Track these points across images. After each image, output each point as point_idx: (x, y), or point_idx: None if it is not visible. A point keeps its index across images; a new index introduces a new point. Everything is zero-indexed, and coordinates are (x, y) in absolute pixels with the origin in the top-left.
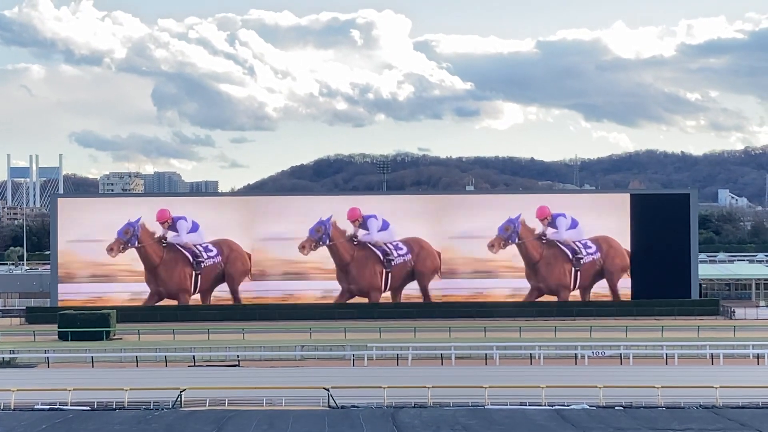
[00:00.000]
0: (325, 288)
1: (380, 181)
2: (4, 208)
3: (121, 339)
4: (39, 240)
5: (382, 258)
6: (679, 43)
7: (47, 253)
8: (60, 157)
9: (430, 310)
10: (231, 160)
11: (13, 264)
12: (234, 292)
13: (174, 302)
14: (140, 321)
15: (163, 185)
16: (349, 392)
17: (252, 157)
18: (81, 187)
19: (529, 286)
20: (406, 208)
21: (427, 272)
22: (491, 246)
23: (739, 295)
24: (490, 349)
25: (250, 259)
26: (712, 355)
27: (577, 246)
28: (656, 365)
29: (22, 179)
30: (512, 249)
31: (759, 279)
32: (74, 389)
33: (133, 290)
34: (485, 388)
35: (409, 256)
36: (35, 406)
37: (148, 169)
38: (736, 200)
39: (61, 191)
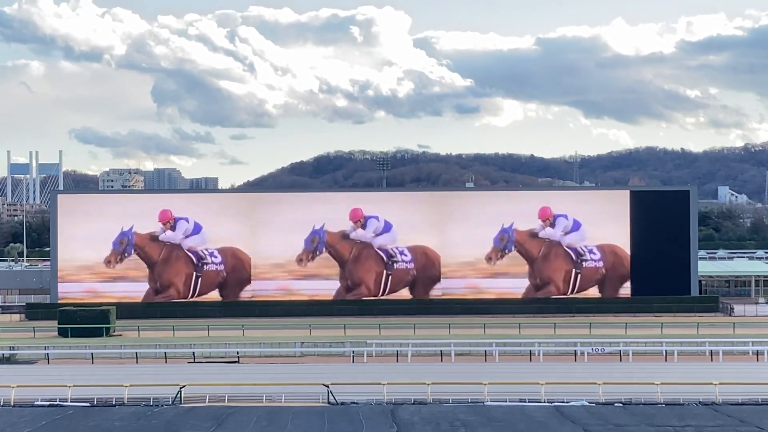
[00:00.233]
0: (325, 286)
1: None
2: (4, 204)
3: (120, 335)
4: (39, 236)
5: (385, 259)
6: (678, 40)
7: (47, 249)
8: (60, 154)
9: (429, 307)
10: (231, 157)
11: (12, 260)
12: (233, 296)
13: (169, 297)
14: (140, 317)
15: (162, 182)
16: (349, 389)
17: (252, 154)
18: (81, 184)
19: (529, 283)
20: (408, 206)
21: (429, 282)
22: (489, 259)
23: (738, 292)
24: (490, 345)
25: (250, 265)
26: (711, 352)
27: (582, 249)
28: (656, 362)
29: (22, 176)
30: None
31: (758, 276)
32: (74, 386)
33: (133, 287)
34: (485, 384)
35: (413, 265)
36: (35, 403)
37: (148, 165)
38: (736, 197)
39: (61, 188)
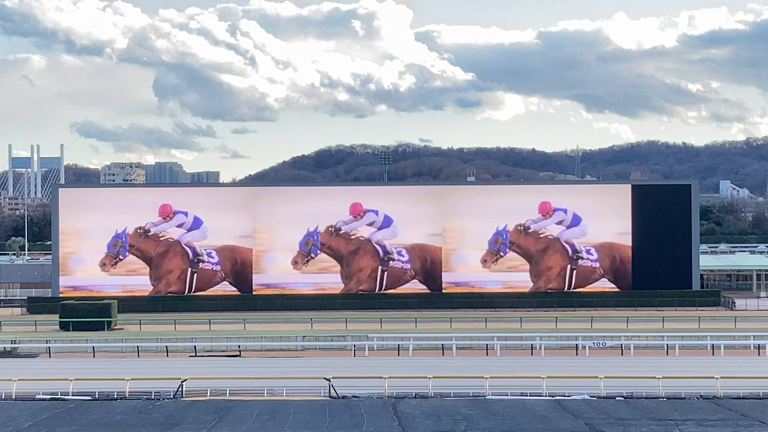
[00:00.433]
0: (325, 280)
1: (381, 172)
2: (5, 198)
3: (122, 329)
4: (40, 230)
5: (381, 254)
6: (680, 34)
7: (48, 243)
8: (61, 148)
9: (431, 300)
10: (232, 151)
11: (14, 254)
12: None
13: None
14: (141, 311)
15: (164, 176)
16: (350, 382)
17: (253, 148)
18: (82, 178)
19: (530, 279)
20: (409, 200)
21: (429, 280)
22: (484, 261)
23: (740, 286)
24: (491, 339)
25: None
26: (713, 346)
27: (580, 247)
28: (657, 356)
29: (24, 169)
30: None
31: (760, 270)
32: (75, 379)
33: (135, 281)
34: (486, 378)
35: (409, 265)
36: (36, 396)
37: (149, 159)
38: (738, 191)
39: (62, 181)
